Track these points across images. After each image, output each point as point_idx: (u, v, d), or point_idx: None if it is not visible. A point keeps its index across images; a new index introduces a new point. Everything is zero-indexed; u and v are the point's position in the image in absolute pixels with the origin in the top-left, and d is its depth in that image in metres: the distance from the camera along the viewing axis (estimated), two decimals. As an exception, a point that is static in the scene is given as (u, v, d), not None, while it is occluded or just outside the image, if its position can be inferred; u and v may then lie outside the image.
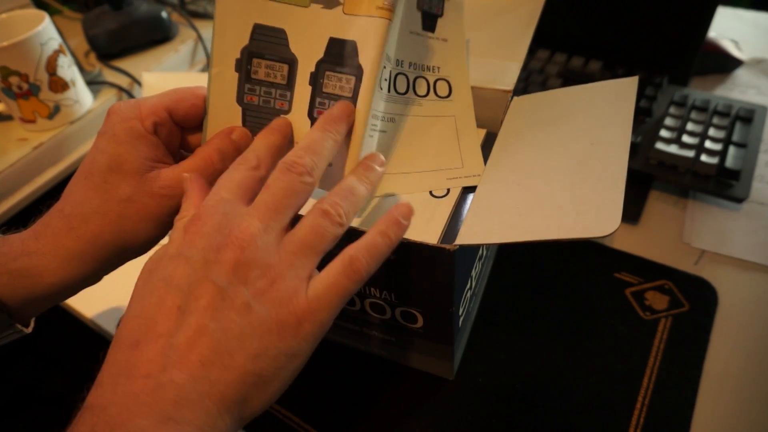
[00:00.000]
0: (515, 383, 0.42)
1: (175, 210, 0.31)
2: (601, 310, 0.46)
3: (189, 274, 0.25)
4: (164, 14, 0.75)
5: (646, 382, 0.41)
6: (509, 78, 0.40)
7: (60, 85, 0.61)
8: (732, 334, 0.44)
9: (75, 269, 0.31)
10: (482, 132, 0.41)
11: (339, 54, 0.32)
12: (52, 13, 0.85)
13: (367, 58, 0.31)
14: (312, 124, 0.33)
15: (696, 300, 0.46)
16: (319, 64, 0.32)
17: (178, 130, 0.34)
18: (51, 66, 0.59)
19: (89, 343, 0.60)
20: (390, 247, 0.28)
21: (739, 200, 0.52)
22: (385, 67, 0.33)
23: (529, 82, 0.66)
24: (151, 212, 0.31)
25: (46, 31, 0.58)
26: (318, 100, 0.33)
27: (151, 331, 0.24)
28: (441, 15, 0.37)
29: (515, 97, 0.40)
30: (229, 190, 0.28)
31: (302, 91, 0.33)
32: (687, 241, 0.51)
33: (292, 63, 0.33)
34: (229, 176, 0.29)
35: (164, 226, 0.32)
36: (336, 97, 0.32)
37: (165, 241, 0.31)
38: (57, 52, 0.60)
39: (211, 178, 0.32)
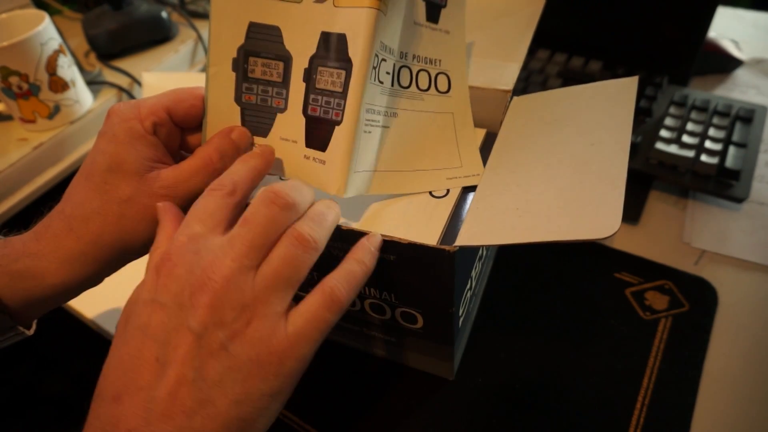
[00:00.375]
0: (515, 383, 0.42)
1: None
2: (601, 310, 0.46)
3: (164, 322, 0.24)
4: (164, 14, 0.75)
5: (646, 382, 0.41)
6: (509, 78, 0.40)
7: (60, 85, 0.61)
8: (732, 334, 0.44)
9: (76, 270, 0.31)
10: (482, 132, 0.41)
11: (329, 48, 0.31)
12: (52, 13, 0.85)
13: (356, 50, 0.31)
14: (306, 121, 0.33)
15: (696, 300, 0.46)
16: (312, 59, 0.32)
17: (178, 130, 0.34)
18: (51, 66, 0.59)
19: (89, 344, 0.60)
20: (366, 275, 0.28)
21: (739, 200, 0.52)
22: (386, 60, 0.33)
23: (529, 82, 0.66)
24: (150, 212, 0.31)
25: (46, 31, 0.58)
26: (311, 96, 0.32)
27: (132, 384, 0.24)
28: (444, 5, 0.36)
29: (515, 97, 0.40)
30: (201, 221, 0.26)
31: (297, 87, 0.33)
32: (687, 241, 0.51)
33: (287, 60, 0.33)
34: (203, 204, 0.27)
35: None
36: (328, 93, 0.32)
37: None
38: (57, 52, 0.60)
39: (211, 178, 0.32)
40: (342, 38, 0.31)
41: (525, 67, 0.69)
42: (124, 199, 0.30)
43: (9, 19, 0.60)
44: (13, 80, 0.58)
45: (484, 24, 0.44)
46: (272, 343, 0.25)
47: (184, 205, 0.32)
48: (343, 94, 0.31)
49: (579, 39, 0.69)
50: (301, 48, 0.32)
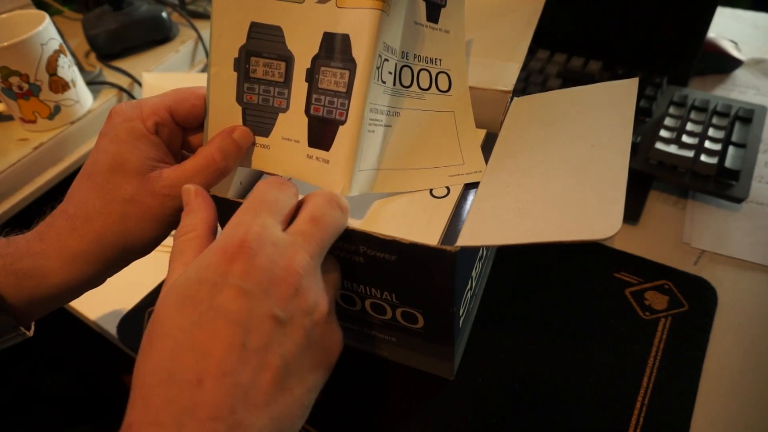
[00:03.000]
0: (515, 383, 0.42)
1: (178, 210, 0.31)
2: (601, 310, 0.46)
3: (249, 308, 0.24)
4: (164, 14, 0.75)
5: (645, 382, 0.41)
6: (509, 79, 0.40)
7: (60, 86, 0.61)
8: (732, 334, 0.44)
9: (79, 269, 0.31)
10: (482, 133, 0.41)
11: (333, 48, 0.32)
12: (53, 13, 0.85)
13: (360, 50, 0.31)
14: (309, 121, 0.33)
15: (696, 300, 0.46)
16: (314, 59, 0.32)
17: (180, 130, 0.34)
18: (51, 66, 0.59)
19: (89, 344, 0.60)
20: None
21: (739, 200, 0.52)
22: (388, 60, 0.33)
23: (528, 82, 0.66)
24: (153, 212, 0.31)
25: (46, 32, 0.58)
26: (314, 96, 0.33)
27: (215, 368, 0.23)
28: (444, 5, 0.36)
29: (515, 98, 0.40)
30: (272, 213, 0.27)
31: (299, 87, 0.33)
32: (687, 241, 0.52)
33: (288, 60, 0.33)
34: (274, 197, 0.28)
35: (167, 225, 0.32)
36: (332, 93, 0.32)
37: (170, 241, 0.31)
38: (57, 53, 0.60)
39: (212, 178, 0.32)
40: (346, 39, 0.31)
41: (525, 67, 0.69)
42: (127, 199, 0.30)
43: (9, 19, 0.60)
44: (14, 80, 0.58)
45: (484, 23, 0.44)
46: (335, 335, 0.28)
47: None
48: (347, 94, 0.32)
49: (579, 39, 0.69)
50: (303, 48, 0.32)
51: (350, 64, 0.31)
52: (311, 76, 0.32)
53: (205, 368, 0.23)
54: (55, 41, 0.59)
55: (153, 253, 0.34)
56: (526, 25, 0.43)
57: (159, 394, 0.23)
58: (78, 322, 0.52)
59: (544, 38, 0.70)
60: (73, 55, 0.67)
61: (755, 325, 0.45)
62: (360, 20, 0.31)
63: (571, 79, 0.66)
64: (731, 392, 0.41)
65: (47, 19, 0.59)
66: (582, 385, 0.42)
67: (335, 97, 0.32)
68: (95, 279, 0.32)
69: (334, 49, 0.32)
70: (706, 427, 0.39)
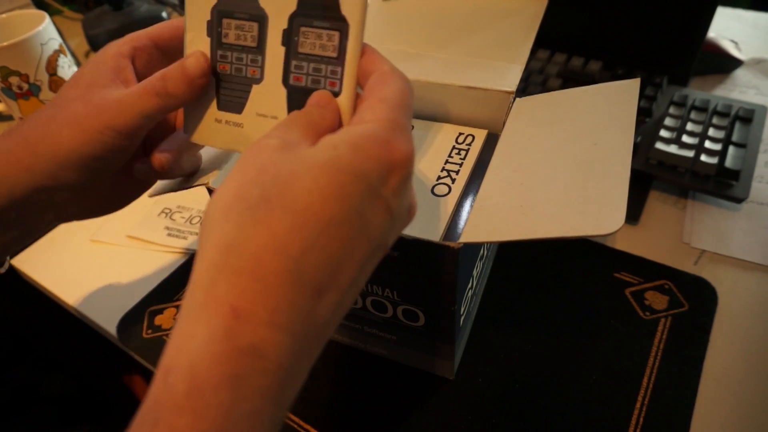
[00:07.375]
0: (515, 383, 0.42)
1: (110, 129, 0.30)
2: (601, 310, 0.46)
3: (386, 232, 0.23)
4: (164, 14, 0.75)
5: (645, 381, 0.41)
6: (511, 80, 0.40)
7: (60, 86, 0.61)
8: (732, 334, 0.44)
9: (9, 177, 0.30)
10: (484, 132, 0.41)
11: (316, 5, 0.26)
12: (53, 13, 0.85)
13: (351, 6, 0.26)
14: (288, 93, 0.29)
15: (696, 300, 0.46)
16: (291, 18, 0.27)
17: (160, 57, 0.34)
18: (51, 66, 0.59)
19: (89, 344, 0.60)
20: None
21: (739, 200, 0.52)
22: None
23: (529, 82, 0.66)
24: (80, 119, 0.30)
25: (46, 32, 0.58)
26: (294, 63, 0.28)
27: (335, 281, 0.21)
28: None
29: (518, 99, 0.40)
30: (407, 116, 0.24)
31: (275, 53, 0.28)
32: (687, 241, 0.52)
33: (262, 20, 0.28)
34: (409, 104, 0.25)
35: (96, 143, 0.30)
36: (317, 58, 0.27)
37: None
38: (57, 53, 0.60)
39: (154, 101, 0.30)
40: None
41: (525, 67, 0.69)
42: (61, 105, 0.30)
43: (9, 19, 0.60)
44: (14, 80, 0.58)
45: (486, 24, 0.44)
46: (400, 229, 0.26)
47: (133, 131, 0.30)
48: (340, 60, 0.27)
49: (579, 39, 0.70)
50: (278, 5, 0.27)
51: (340, 23, 0.26)
52: (289, 38, 0.27)
53: (328, 280, 0.21)
54: (55, 41, 0.59)
55: (152, 252, 0.34)
56: (528, 27, 0.43)
57: (282, 292, 0.20)
58: (78, 322, 0.52)
59: (544, 38, 0.70)
60: (73, 55, 0.67)
61: (755, 325, 0.45)
62: None
63: (571, 79, 0.66)
64: (731, 392, 0.41)
65: (47, 19, 0.59)
66: (582, 385, 0.42)
67: (322, 63, 0.27)
68: (31, 199, 0.31)
69: (318, 5, 0.26)
70: (706, 427, 0.39)
